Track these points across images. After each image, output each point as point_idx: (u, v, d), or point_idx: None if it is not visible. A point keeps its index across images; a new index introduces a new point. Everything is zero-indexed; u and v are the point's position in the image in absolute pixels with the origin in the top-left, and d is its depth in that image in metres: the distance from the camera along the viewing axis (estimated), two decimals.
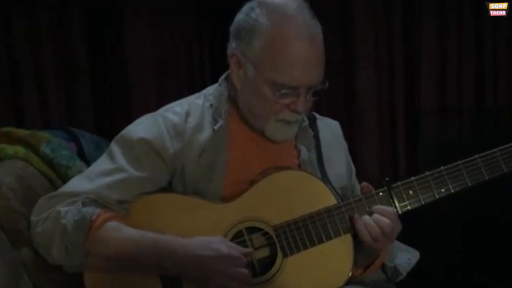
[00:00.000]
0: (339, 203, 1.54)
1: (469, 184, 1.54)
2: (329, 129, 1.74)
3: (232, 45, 1.55)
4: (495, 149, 1.55)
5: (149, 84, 3.33)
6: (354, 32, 3.36)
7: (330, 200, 1.54)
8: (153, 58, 3.34)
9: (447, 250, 2.96)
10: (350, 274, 1.53)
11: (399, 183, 1.54)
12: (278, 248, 1.51)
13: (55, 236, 1.47)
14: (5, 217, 1.55)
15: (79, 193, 1.50)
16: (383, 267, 1.63)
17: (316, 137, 1.67)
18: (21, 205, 1.58)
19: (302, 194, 1.54)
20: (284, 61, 1.47)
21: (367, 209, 1.53)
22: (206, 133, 1.57)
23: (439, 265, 2.86)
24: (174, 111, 1.60)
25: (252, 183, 1.55)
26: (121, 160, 1.54)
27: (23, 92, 3.11)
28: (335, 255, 1.53)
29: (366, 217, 1.50)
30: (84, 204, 1.47)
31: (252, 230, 1.52)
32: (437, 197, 1.54)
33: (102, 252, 1.47)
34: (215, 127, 1.58)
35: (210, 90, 1.66)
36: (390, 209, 1.51)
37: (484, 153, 1.55)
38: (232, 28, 1.55)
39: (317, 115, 1.73)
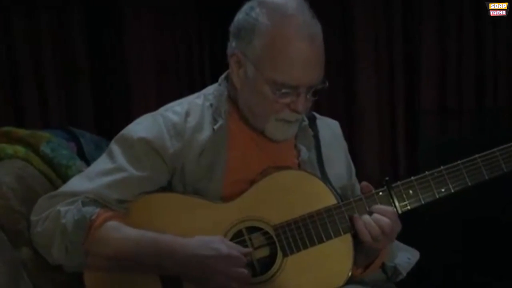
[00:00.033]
0: (339, 202, 1.54)
1: (469, 184, 1.54)
2: (329, 129, 1.74)
3: (232, 44, 1.55)
4: (495, 149, 1.55)
5: (149, 84, 3.33)
6: (354, 32, 3.36)
7: (330, 200, 1.54)
8: (153, 58, 3.34)
9: (447, 250, 2.95)
10: (350, 273, 1.53)
11: (399, 182, 1.54)
12: (278, 248, 1.51)
13: (55, 236, 1.47)
14: (5, 217, 1.55)
15: (79, 192, 1.50)
16: (383, 266, 1.63)
17: (316, 137, 1.67)
18: (21, 204, 1.58)
19: (302, 194, 1.54)
20: (284, 60, 1.47)
21: (367, 208, 1.52)
22: (206, 133, 1.57)
23: (439, 265, 2.86)
24: (174, 110, 1.60)
25: (252, 182, 1.55)
26: (121, 159, 1.54)
27: (23, 92, 3.11)
28: (335, 255, 1.53)
29: (366, 217, 1.50)
30: (84, 204, 1.47)
31: (252, 229, 1.52)
32: (437, 196, 1.54)
33: (102, 251, 1.47)
34: (215, 127, 1.58)
35: (210, 89, 1.66)
36: (390, 208, 1.51)
37: (484, 153, 1.55)
38: (232, 28, 1.55)
39: (317, 115, 1.73)
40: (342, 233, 1.52)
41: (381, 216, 1.49)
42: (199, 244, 1.44)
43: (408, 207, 1.54)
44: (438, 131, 3.34)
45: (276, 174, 1.55)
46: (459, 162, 1.54)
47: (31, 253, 1.54)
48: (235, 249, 1.44)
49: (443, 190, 1.54)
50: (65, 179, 1.68)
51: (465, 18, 3.27)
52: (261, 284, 1.49)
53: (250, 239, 1.51)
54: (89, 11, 3.23)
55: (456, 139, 3.30)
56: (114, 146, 1.57)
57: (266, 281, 1.50)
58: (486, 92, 3.29)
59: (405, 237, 1.63)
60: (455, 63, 3.31)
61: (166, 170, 1.56)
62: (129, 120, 1.64)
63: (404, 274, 1.63)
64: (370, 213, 1.51)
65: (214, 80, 1.69)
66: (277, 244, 1.51)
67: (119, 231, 1.47)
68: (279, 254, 1.51)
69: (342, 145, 1.76)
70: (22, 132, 1.76)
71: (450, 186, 1.54)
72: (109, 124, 3.23)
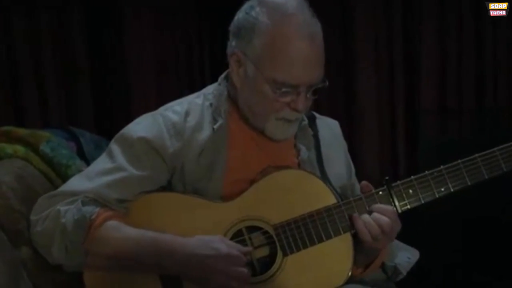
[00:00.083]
0: (338, 202, 1.54)
1: (469, 183, 1.54)
2: (329, 128, 1.74)
3: (232, 44, 1.55)
4: (495, 149, 1.55)
5: (149, 84, 3.33)
6: (354, 32, 3.36)
7: (330, 199, 1.54)
8: (153, 58, 3.34)
9: (447, 250, 2.96)
10: (350, 273, 1.52)
11: (399, 182, 1.54)
12: (278, 247, 1.51)
13: (55, 235, 1.47)
14: (5, 217, 1.55)
15: (79, 192, 1.50)
16: (383, 266, 1.63)
17: (316, 136, 1.67)
18: (20, 204, 1.58)
19: (302, 193, 1.54)
20: (284, 59, 1.47)
21: (367, 208, 1.53)
22: (205, 133, 1.57)
23: (439, 264, 2.87)
24: (173, 110, 1.60)
25: (252, 182, 1.55)
26: (120, 159, 1.54)
27: (23, 92, 3.11)
28: (335, 254, 1.53)
29: (366, 216, 1.50)
30: (84, 203, 1.47)
31: (252, 229, 1.52)
32: (437, 196, 1.54)
33: (102, 251, 1.46)
34: (215, 127, 1.58)
35: (210, 89, 1.66)
36: (389, 208, 1.51)
37: (484, 153, 1.55)
38: (232, 27, 1.55)
39: (317, 115, 1.73)
40: (342, 233, 1.52)
41: (380, 215, 1.49)
42: (199, 243, 1.44)
43: (408, 207, 1.54)
44: (438, 131, 3.34)
45: (276, 173, 1.55)
46: (459, 161, 1.55)
47: (31, 253, 1.54)
48: (235, 248, 1.44)
49: (442, 189, 1.54)
50: (65, 178, 1.68)
51: (465, 18, 3.27)
52: (261, 283, 1.49)
53: (250, 239, 1.51)
54: (89, 11, 3.23)
55: (456, 139, 3.30)
56: (113, 146, 1.57)
57: (266, 281, 1.50)
58: (486, 92, 3.29)
59: (405, 237, 1.63)
60: (455, 63, 3.31)
61: (166, 169, 1.56)
62: (129, 120, 1.64)
63: (404, 273, 1.63)
64: (370, 213, 1.51)
65: (214, 80, 1.69)
66: (277, 244, 1.51)
67: (119, 231, 1.47)
68: (279, 253, 1.51)
69: (342, 144, 1.76)
70: (22, 131, 1.76)
71: (450, 186, 1.54)
72: (109, 124, 3.22)
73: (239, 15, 1.54)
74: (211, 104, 1.61)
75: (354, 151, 1.98)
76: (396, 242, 1.63)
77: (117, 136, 1.59)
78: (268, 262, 1.52)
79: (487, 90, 3.29)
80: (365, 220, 1.50)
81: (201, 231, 1.47)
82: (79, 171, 1.67)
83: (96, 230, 1.45)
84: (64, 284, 1.56)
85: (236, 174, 1.56)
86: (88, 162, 1.76)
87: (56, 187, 1.64)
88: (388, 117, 3.41)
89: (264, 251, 1.52)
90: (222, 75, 1.65)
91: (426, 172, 1.55)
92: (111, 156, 1.56)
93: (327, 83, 1.53)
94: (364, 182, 1.56)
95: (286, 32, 1.47)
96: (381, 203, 1.53)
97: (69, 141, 1.85)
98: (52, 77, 3.17)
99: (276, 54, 1.47)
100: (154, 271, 1.47)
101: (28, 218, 1.53)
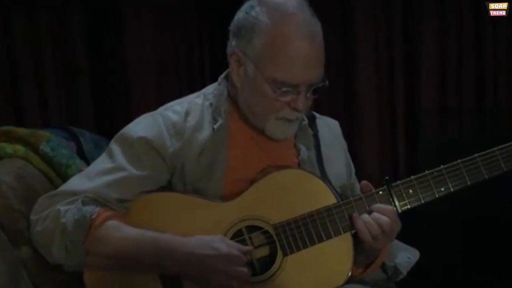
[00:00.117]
0: (338, 202, 1.54)
1: (469, 183, 1.54)
2: (329, 128, 1.74)
3: (232, 43, 1.55)
4: (495, 148, 1.55)
5: (149, 84, 3.34)
6: (354, 32, 3.36)
7: (330, 199, 1.54)
8: (153, 58, 3.34)
9: (447, 249, 2.96)
10: (350, 273, 1.52)
11: (399, 182, 1.54)
12: (278, 247, 1.51)
13: (55, 235, 1.47)
14: (5, 216, 1.55)
15: (79, 192, 1.50)
16: (383, 266, 1.63)
17: (316, 136, 1.67)
18: (20, 204, 1.58)
19: (302, 193, 1.54)
20: (284, 59, 1.47)
21: (367, 208, 1.52)
22: (205, 132, 1.57)
23: (439, 264, 2.87)
24: (173, 110, 1.60)
25: (252, 182, 1.55)
26: (120, 159, 1.54)
27: (23, 92, 3.11)
28: (335, 254, 1.53)
29: (366, 216, 1.50)
30: (84, 203, 1.47)
31: (252, 229, 1.52)
32: (437, 196, 1.54)
33: (102, 251, 1.47)
34: (215, 126, 1.58)
35: (210, 89, 1.66)
36: (389, 207, 1.51)
37: (484, 152, 1.55)
38: (232, 27, 1.55)
39: (317, 114, 1.73)
40: (342, 232, 1.52)
41: (380, 215, 1.49)
42: (199, 243, 1.44)
43: (408, 206, 1.54)
44: (438, 131, 3.34)
45: (276, 173, 1.55)
46: (458, 161, 1.55)
47: (31, 252, 1.54)
48: (235, 248, 1.44)
49: (442, 189, 1.54)
50: (65, 178, 1.68)
51: (465, 18, 3.27)
52: (261, 283, 1.49)
53: (250, 238, 1.51)
54: (89, 11, 3.23)
55: (456, 139, 3.30)
56: (113, 146, 1.57)
57: (266, 280, 1.50)
58: (486, 92, 3.29)
59: (405, 237, 1.63)
60: (455, 63, 3.31)
61: (166, 169, 1.56)
62: (129, 120, 1.64)
63: (405, 273, 1.64)
64: (370, 212, 1.51)
65: (214, 80, 1.69)
66: (277, 243, 1.51)
67: (119, 231, 1.47)
68: (279, 253, 1.51)
69: (342, 144, 1.76)
70: (21, 131, 1.76)
71: (450, 186, 1.54)
72: (109, 124, 3.22)
73: (239, 14, 1.54)
74: (211, 104, 1.61)
75: (354, 151, 1.98)
76: (396, 242, 1.63)
77: (117, 136, 1.59)
78: (268, 262, 1.52)
79: (487, 90, 3.29)
80: (365, 220, 1.50)
81: (201, 231, 1.47)
82: (79, 170, 1.67)
83: (96, 230, 1.46)
84: (64, 284, 1.56)
85: (236, 173, 1.56)
86: (88, 162, 1.77)
87: (56, 186, 1.64)
88: (388, 117, 3.41)
89: (264, 251, 1.52)
90: (222, 75, 1.65)
91: (426, 172, 1.54)
92: (111, 156, 1.56)
93: (327, 82, 1.53)
94: (364, 182, 1.56)
95: (286, 32, 1.47)
96: (381, 203, 1.53)
97: (69, 141, 1.85)
98: (52, 77, 3.17)
99: (276, 54, 1.47)
100: (154, 271, 1.47)
101: (28, 218, 1.53)
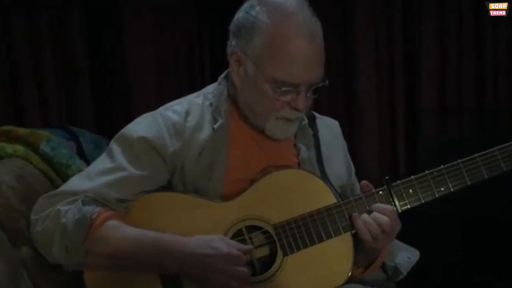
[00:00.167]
0: (338, 201, 1.54)
1: (469, 183, 1.54)
2: (329, 128, 1.74)
3: (232, 43, 1.55)
4: (495, 148, 1.55)
5: (149, 84, 3.34)
6: (354, 32, 3.36)
7: (330, 199, 1.54)
8: (153, 58, 3.35)
9: (447, 249, 2.96)
10: (350, 273, 1.52)
11: (399, 182, 1.54)
12: (278, 247, 1.51)
13: (55, 235, 1.47)
14: (5, 216, 1.55)
15: (79, 192, 1.50)
16: (383, 266, 1.63)
17: (316, 136, 1.67)
18: (20, 203, 1.58)
19: (302, 193, 1.54)
20: (284, 58, 1.47)
21: (367, 207, 1.53)
22: (205, 132, 1.57)
23: (439, 264, 2.87)
24: (173, 110, 1.60)
25: (252, 182, 1.55)
26: (120, 158, 1.54)
27: (23, 92, 3.12)
28: (335, 254, 1.53)
29: (366, 216, 1.51)
30: (84, 203, 1.47)
31: (252, 228, 1.52)
32: (437, 196, 1.54)
33: (102, 251, 1.46)
34: (215, 126, 1.58)
35: (210, 89, 1.66)
36: (389, 207, 1.51)
37: (484, 152, 1.55)
38: (232, 26, 1.55)
39: (317, 114, 1.73)
40: (342, 232, 1.52)
41: (380, 215, 1.49)
42: (199, 243, 1.44)
43: (408, 206, 1.54)
44: (438, 131, 3.34)
45: (276, 173, 1.55)
46: (458, 161, 1.55)
47: (31, 252, 1.54)
48: (235, 248, 1.44)
49: (442, 189, 1.54)
50: (65, 178, 1.68)
51: (465, 18, 3.27)
52: (261, 283, 1.49)
53: (250, 238, 1.51)
54: (89, 11, 3.23)
55: (456, 139, 3.30)
56: (113, 145, 1.57)
57: (266, 280, 1.50)
58: (486, 92, 3.29)
59: (405, 237, 1.63)
60: (455, 63, 3.31)
61: (166, 169, 1.56)
62: (129, 120, 1.64)
63: (405, 273, 1.64)
64: (370, 212, 1.51)
65: (214, 80, 1.69)
66: (277, 243, 1.51)
67: (119, 230, 1.47)
68: (279, 253, 1.51)
69: (342, 144, 1.76)
70: (21, 131, 1.76)
71: (450, 185, 1.54)
72: (109, 124, 3.23)
73: (239, 14, 1.54)
74: (211, 104, 1.61)
75: (354, 151, 1.98)
76: (396, 242, 1.63)
77: (117, 135, 1.59)
78: (268, 262, 1.52)
79: (487, 89, 3.29)
80: (365, 220, 1.50)
81: (201, 230, 1.47)
82: (79, 170, 1.67)
83: (96, 230, 1.45)
84: (64, 284, 1.56)
85: (236, 173, 1.56)
86: (88, 162, 1.77)
87: (56, 186, 1.64)
88: (388, 117, 3.41)
89: (264, 251, 1.52)
90: (222, 75, 1.65)
91: (426, 171, 1.55)
92: (111, 156, 1.56)
93: (327, 82, 1.53)
94: (364, 182, 1.56)
95: (286, 31, 1.47)
96: (381, 202, 1.53)
97: (69, 141, 1.85)
98: (52, 77, 3.17)
99: (276, 53, 1.47)
100: (155, 271, 1.47)
101: (28, 218, 1.53)
